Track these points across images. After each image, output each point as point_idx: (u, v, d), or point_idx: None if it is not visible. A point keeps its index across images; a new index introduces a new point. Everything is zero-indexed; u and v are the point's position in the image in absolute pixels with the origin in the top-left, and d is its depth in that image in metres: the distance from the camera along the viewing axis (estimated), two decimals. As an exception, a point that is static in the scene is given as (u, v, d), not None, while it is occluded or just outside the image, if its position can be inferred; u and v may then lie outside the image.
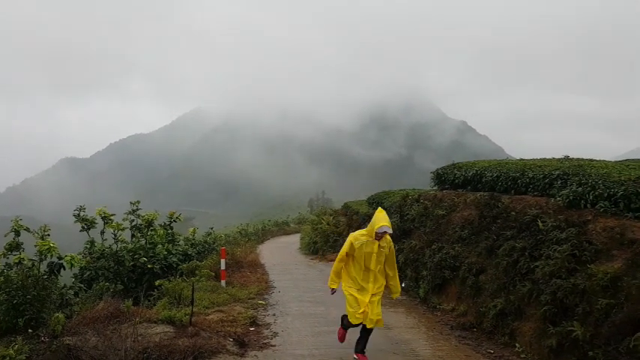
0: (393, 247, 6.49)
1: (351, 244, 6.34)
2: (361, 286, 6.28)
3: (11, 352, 5.90)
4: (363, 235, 6.37)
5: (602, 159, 9.57)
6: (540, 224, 7.26)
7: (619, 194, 6.53)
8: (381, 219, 6.17)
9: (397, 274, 6.71)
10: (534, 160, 10.85)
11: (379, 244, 6.24)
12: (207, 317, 8.13)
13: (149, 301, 10.03)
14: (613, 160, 10.14)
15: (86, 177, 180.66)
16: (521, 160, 11.56)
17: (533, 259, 7.05)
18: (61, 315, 7.04)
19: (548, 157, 10.69)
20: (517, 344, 6.70)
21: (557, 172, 8.12)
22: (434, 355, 6.62)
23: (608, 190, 6.76)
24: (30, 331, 6.74)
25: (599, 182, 6.99)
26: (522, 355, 6.43)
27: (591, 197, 6.94)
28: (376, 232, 6.14)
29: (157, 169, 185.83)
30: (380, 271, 6.38)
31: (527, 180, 8.89)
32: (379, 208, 6.54)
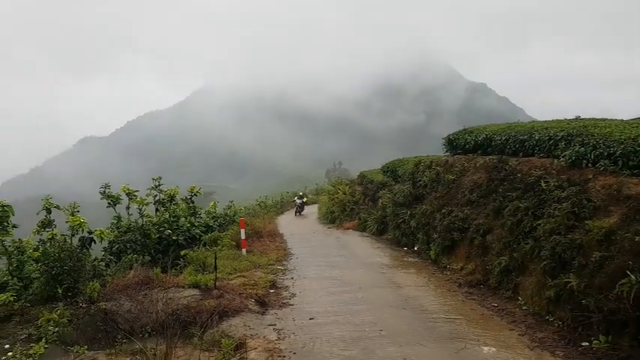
0: None
1: None
2: None
3: (55, 316, 6.54)
4: None
5: (618, 118, 9.42)
6: (543, 184, 7.57)
7: (618, 153, 6.79)
8: None
9: None
10: (543, 122, 10.98)
11: None
12: (230, 282, 8.70)
13: (176, 269, 10.66)
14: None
15: (107, 155, 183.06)
16: (531, 122, 11.74)
17: (535, 217, 7.38)
18: (96, 283, 7.69)
19: (568, 117, 10.60)
20: (520, 297, 7.11)
21: (561, 134, 8.35)
22: (441, 309, 7.05)
23: (608, 149, 7.01)
24: (69, 298, 7.38)
25: (600, 142, 7.23)
26: (524, 307, 6.85)
27: (592, 157, 7.21)
28: None
29: (174, 144, 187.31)
30: None
31: (534, 142, 9.14)
32: None
